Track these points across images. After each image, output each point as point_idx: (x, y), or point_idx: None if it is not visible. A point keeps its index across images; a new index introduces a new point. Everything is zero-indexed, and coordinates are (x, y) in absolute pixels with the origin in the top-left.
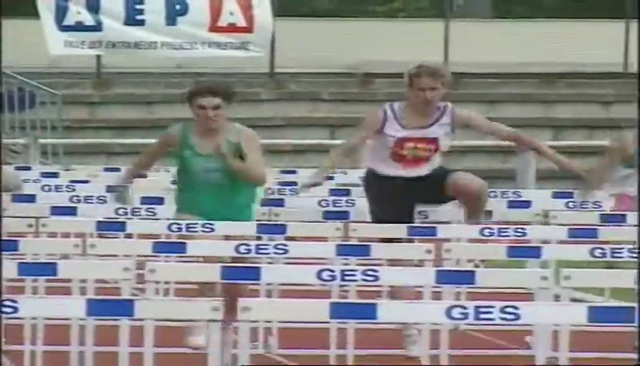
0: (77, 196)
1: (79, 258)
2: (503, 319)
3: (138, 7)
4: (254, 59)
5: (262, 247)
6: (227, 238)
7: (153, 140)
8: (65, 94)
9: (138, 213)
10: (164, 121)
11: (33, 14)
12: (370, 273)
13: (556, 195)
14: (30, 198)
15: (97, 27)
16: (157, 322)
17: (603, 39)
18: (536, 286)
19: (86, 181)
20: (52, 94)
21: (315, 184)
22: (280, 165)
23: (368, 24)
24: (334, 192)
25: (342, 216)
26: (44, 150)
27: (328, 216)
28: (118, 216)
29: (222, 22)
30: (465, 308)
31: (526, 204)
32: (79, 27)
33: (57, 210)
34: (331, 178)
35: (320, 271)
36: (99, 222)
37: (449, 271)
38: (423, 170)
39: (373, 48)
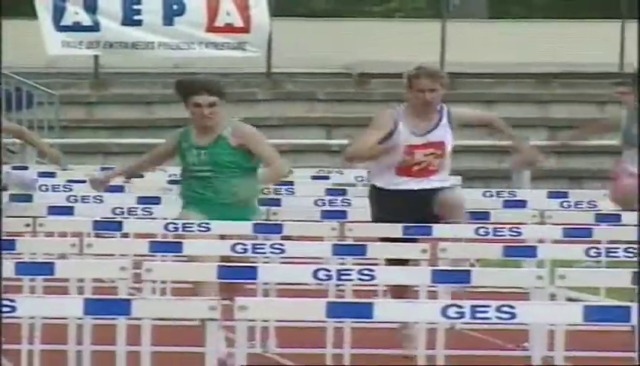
0: (74, 196)
1: (76, 258)
2: (499, 318)
3: (135, 7)
4: (251, 59)
5: (258, 246)
6: (223, 237)
7: (150, 140)
8: (62, 94)
9: (134, 213)
10: (161, 121)
11: (31, 14)
12: (366, 272)
13: (551, 195)
14: (28, 198)
15: (95, 28)
16: (154, 321)
17: (598, 39)
18: (531, 285)
19: (83, 181)
20: (49, 94)
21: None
22: None
23: (364, 24)
24: (330, 192)
25: (338, 215)
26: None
27: (325, 215)
28: (115, 216)
29: (219, 22)
30: (461, 307)
31: (522, 204)
32: (77, 27)
33: (54, 210)
34: (327, 178)
35: (316, 271)
36: (96, 221)
37: (445, 270)
38: (433, 181)
39: (370, 48)
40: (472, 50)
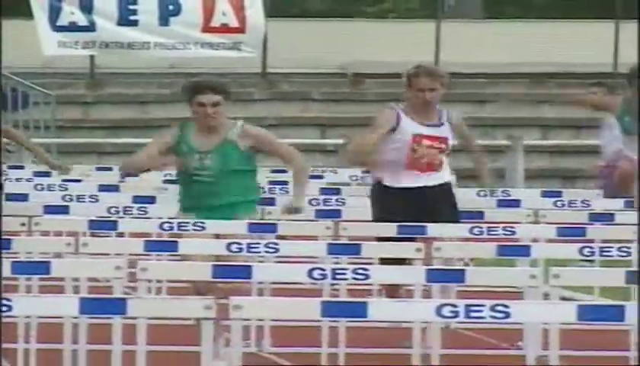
0: (69, 195)
1: (72, 257)
2: (493, 317)
3: (131, 7)
4: (247, 60)
5: (253, 246)
6: (218, 236)
7: (146, 140)
8: (58, 94)
9: (130, 212)
10: (157, 121)
11: (27, 14)
12: (361, 272)
13: (545, 194)
14: (23, 197)
15: (91, 28)
16: (149, 320)
17: (592, 39)
18: (525, 284)
19: (78, 180)
20: (45, 95)
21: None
22: (271, 164)
23: (359, 24)
24: (324, 191)
25: (333, 214)
26: None
27: (319, 214)
28: (110, 215)
29: (215, 22)
30: (455, 306)
31: (516, 203)
32: (73, 27)
33: (50, 209)
34: (321, 178)
35: (311, 270)
36: (91, 221)
37: (439, 269)
38: (438, 177)
39: (364, 48)
40: (467, 50)
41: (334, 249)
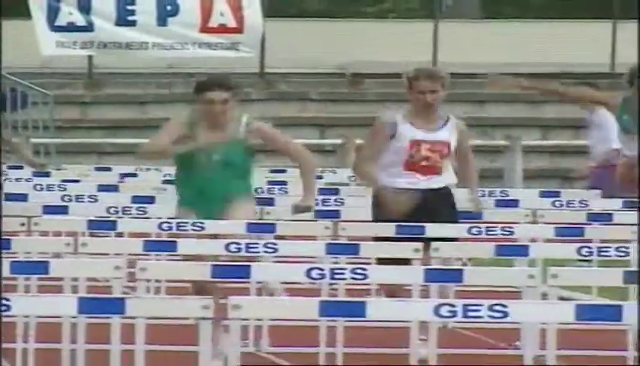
0: (68, 195)
1: (71, 257)
2: (491, 317)
3: (129, 7)
4: (245, 60)
5: (252, 246)
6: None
7: (144, 140)
8: (57, 94)
9: (129, 212)
10: (155, 121)
11: (25, 14)
12: (359, 271)
13: (543, 194)
14: (23, 197)
15: (89, 28)
16: (148, 320)
17: (590, 39)
18: (523, 284)
19: (77, 181)
20: (44, 95)
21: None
22: (269, 165)
23: (358, 24)
24: (323, 191)
25: (332, 215)
26: (36, 150)
27: (318, 215)
28: (109, 215)
29: (213, 23)
30: (453, 306)
31: (514, 203)
32: (71, 27)
33: (49, 209)
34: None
35: (309, 270)
36: (90, 221)
37: (438, 269)
38: (439, 180)
39: (363, 48)
40: (465, 50)
41: (333, 249)
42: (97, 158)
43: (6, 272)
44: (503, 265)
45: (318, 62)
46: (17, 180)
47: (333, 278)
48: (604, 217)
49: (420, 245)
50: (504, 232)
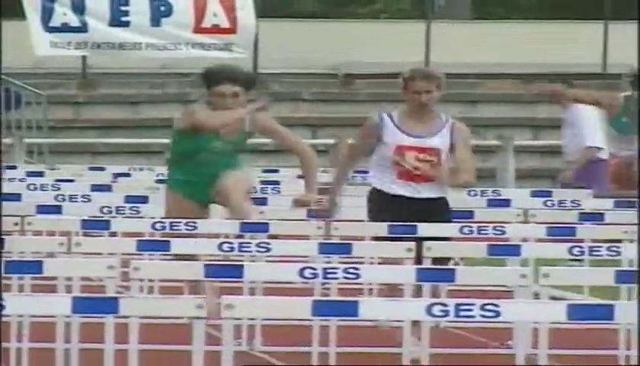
0: (62, 195)
1: (64, 256)
2: (483, 316)
3: (123, 8)
4: (238, 60)
5: (245, 245)
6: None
7: (137, 140)
8: (50, 94)
9: (122, 212)
10: (148, 121)
11: (19, 15)
12: (352, 271)
13: (535, 194)
14: (16, 197)
15: (83, 28)
16: (141, 319)
17: (581, 40)
18: (515, 284)
19: (71, 180)
20: (37, 95)
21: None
22: (262, 164)
23: (350, 25)
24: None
25: (324, 214)
26: (30, 150)
27: (310, 214)
28: (103, 215)
29: (206, 23)
30: (445, 305)
31: (506, 203)
32: (65, 28)
33: (42, 209)
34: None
35: (302, 269)
36: (84, 220)
37: (430, 269)
38: (433, 190)
39: (355, 49)
40: (456, 51)
41: (325, 249)
42: (90, 158)
43: None
44: (495, 265)
45: (310, 63)
46: (11, 180)
47: (325, 278)
48: (596, 217)
49: (412, 244)
50: (496, 232)
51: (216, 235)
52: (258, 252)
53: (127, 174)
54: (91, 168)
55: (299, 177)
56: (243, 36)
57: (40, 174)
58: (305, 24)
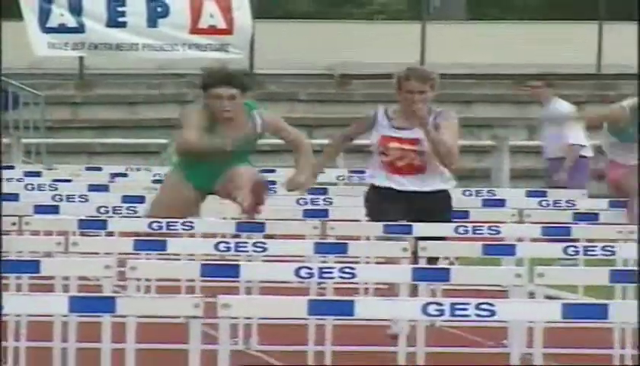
0: (59, 195)
1: (62, 256)
2: (478, 315)
3: (119, 9)
4: (234, 61)
5: (241, 245)
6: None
7: (134, 140)
8: (47, 94)
9: (119, 212)
10: (145, 121)
11: (16, 15)
12: (347, 270)
13: (530, 194)
14: (14, 197)
15: (80, 29)
16: (138, 318)
17: (576, 41)
18: (510, 283)
19: (68, 180)
20: (35, 95)
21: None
22: (259, 165)
23: (346, 26)
24: (311, 191)
25: (320, 214)
26: (27, 150)
27: (306, 214)
28: (100, 215)
29: (203, 24)
30: (441, 305)
31: (501, 203)
32: (62, 28)
33: (40, 209)
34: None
35: (298, 269)
36: (81, 220)
37: (425, 268)
38: (425, 182)
39: (351, 50)
40: (452, 51)
41: (321, 248)
42: (87, 158)
43: None
44: (490, 264)
45: (306, 63)
46: (9, 180)
47: (321, 277)
48: (590, 217)
49: (408, 244)
50: (491, 232)
51: (213, 235)
52: (254, 251)
53: (124, 175)
54: (89, 168)
55: None
56: (239, 36)
57: (38, 174)
58: (301, 25)
